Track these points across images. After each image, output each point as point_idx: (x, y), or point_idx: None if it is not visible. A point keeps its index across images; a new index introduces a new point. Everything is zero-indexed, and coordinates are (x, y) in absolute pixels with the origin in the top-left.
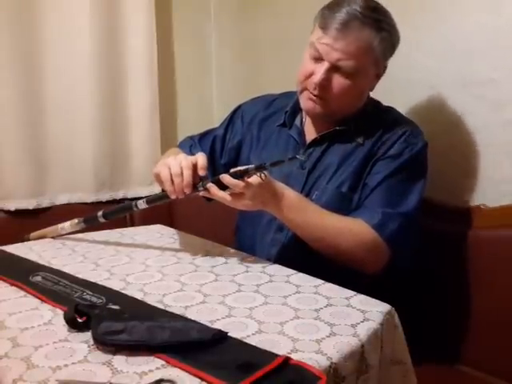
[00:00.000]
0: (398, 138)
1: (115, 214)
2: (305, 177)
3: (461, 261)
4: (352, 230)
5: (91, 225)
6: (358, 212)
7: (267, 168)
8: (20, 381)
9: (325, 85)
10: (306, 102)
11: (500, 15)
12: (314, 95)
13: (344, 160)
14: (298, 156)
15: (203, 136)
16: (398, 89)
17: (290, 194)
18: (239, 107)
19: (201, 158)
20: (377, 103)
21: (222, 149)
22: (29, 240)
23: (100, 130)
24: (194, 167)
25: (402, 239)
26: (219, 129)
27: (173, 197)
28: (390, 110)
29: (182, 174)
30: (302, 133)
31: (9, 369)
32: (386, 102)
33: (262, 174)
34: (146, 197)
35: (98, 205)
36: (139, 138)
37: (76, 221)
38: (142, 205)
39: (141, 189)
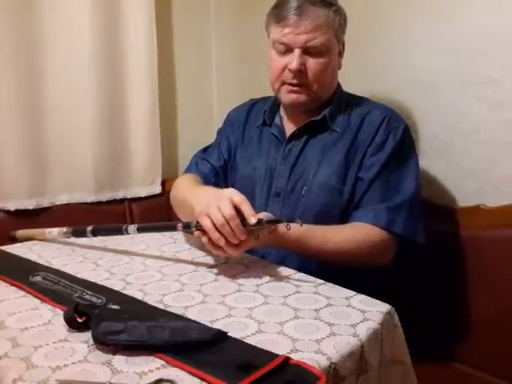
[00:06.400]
0: (380, 123)
1: (104, 232)
2: (288, 171)
3: (461, 261)
4: (362, 241)
5: (78, 237)
6: (360, 215)
7: (263, 225)
8: (20, 381)
9: (302, 70)
10: (287, 95)
11: (502, 15)
12: (294, 85)
13: (326, 152)
14: (296, 220)
15: (206, 150)
16: (399, 88)
17: (290, 234)
18: (228, 114)
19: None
20: (347, 93)
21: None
22: (14, 237)
23: (100, 130)
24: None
25: (413, 224)
26: (220, 137)
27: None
28: (361, 98)
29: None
30: (282, 129)
31: (9, 369)
32: (386, 101)
33: (256, 234)
34: (138, 224)
35: (98, 205)
36: (139, 138)
37: (64, 230)
38: (132, 230)
39: (141, 189)
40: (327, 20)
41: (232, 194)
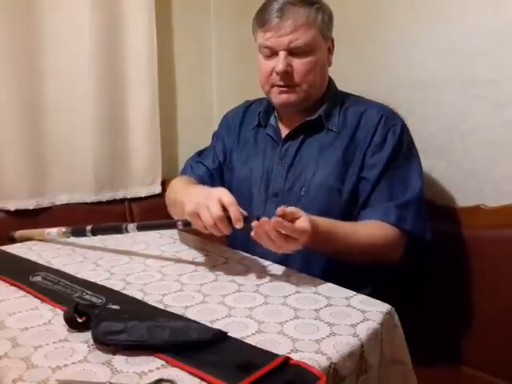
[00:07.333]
0: (377, 122)
1: (104, 231)
2: (285, 172)
3: (461, 261)
4: (378, 237)
5: (78, 237)
6: (369, 213)
7: (251, 219)
8: (20, 381)
9: (289, 71)
10: (278, 96)
11: (501, 15)
12: (283, 86)
13: (322, 151)
14: (262, 216)
15: (202, 153)
16: (398, 88)
17: (320, 225)
18: (224, 117)
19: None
20: (341, 92)
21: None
22: (13, 237)
23: (100, 130)
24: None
25: (421, 220)
26: (215, 140)
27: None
28: (355, 96)
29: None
30: (277, 130)
31: (9, 369)
32: (386, 101)
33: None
34: (137, 223)
35: (98, 205)
36: (139, 137)
37: (64, 230)
38: (131, 229)
39: (141, 189)
40: (308, 19)
41: (222, 195)
